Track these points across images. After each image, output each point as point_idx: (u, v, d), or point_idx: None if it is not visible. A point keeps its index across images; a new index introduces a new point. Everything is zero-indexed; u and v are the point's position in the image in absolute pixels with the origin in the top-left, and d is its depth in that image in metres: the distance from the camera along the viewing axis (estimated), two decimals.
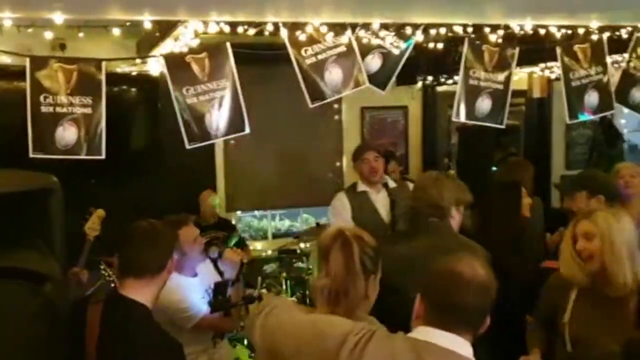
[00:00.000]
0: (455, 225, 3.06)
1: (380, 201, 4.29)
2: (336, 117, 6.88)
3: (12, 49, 3.87)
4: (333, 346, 1.82)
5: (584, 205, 3.61)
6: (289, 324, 2.00)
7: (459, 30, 3.97)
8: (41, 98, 3.34)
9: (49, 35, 3.63)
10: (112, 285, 3.63)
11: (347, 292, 2.02)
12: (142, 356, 2.39)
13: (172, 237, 2.78)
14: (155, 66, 4.88)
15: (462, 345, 1.79)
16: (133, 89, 5.53)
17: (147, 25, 3.45)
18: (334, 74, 3.78)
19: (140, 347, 2.41)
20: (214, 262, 3.51)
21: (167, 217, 2.88)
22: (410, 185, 4.44)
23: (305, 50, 3.72)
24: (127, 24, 3.45)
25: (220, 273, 3.45)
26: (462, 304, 1.78)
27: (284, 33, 3.65)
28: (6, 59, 4.07)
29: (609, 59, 4.39)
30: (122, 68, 5.21)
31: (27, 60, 3.33)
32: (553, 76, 6.36)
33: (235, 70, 3.66)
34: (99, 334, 2.44)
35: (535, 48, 4.83)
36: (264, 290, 5.59)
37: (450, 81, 6.47)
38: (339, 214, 4.31)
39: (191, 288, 3.33)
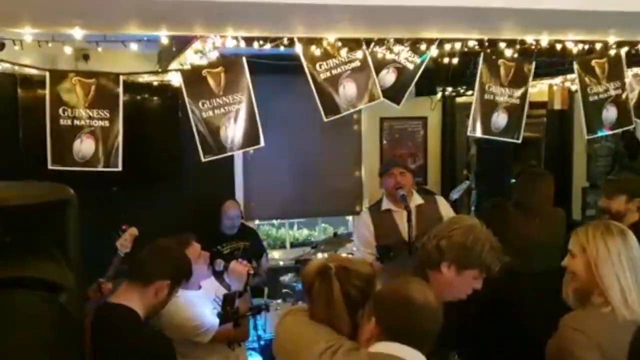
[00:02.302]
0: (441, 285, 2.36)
1: (405, 220, 4.05)
2: (355, 127, 6.87)
3: (37, 59, 3.96)
4: (306, 345, 2.05)
5: (622, 208, 3.85)
6: (287, 325, 2.24)
7: (474, 45, 3.98)
8: (60, 111, 3.42)
9: (68, 49, 3.70)
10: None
11: (332, 326, 2.11)
12: (130, 355, 2.54)
13: (177, 263, 2.85)
14: (176, 76, 4.95)
15: (419, 356, 1.90)
16: (155, 98, 5.59)
17: (164, 41, 3.51)
18: (348, 89, 3.81)
19: (127, 346, 2.55)
20: (220, 274, 3.56)
21: (170, 237, 2.93)
22: (439, 200, 4.34)
23: (320, 65, 3.75)
24: (144, 39, 3.51)
25: (227, 286, 3.50)
26: (416, 328, 1.91)
27: (299, 48, 3.69)
28: (30, 70, 4.16)
29: (629, 72, 4.35)
30: (144, 78, 5.30)
31: (47, 74, 3.40)
32: (574, 88, 6.29)
33: (250, 85, 3.71)
34: (91, 338, 2.58)
35: (554, 60, 4.81)
36: (279, 300, 5.64)
37: (469, 92, 6.43)
38: (362, 234, 4.25)
39: (199, 301, 3.38)
